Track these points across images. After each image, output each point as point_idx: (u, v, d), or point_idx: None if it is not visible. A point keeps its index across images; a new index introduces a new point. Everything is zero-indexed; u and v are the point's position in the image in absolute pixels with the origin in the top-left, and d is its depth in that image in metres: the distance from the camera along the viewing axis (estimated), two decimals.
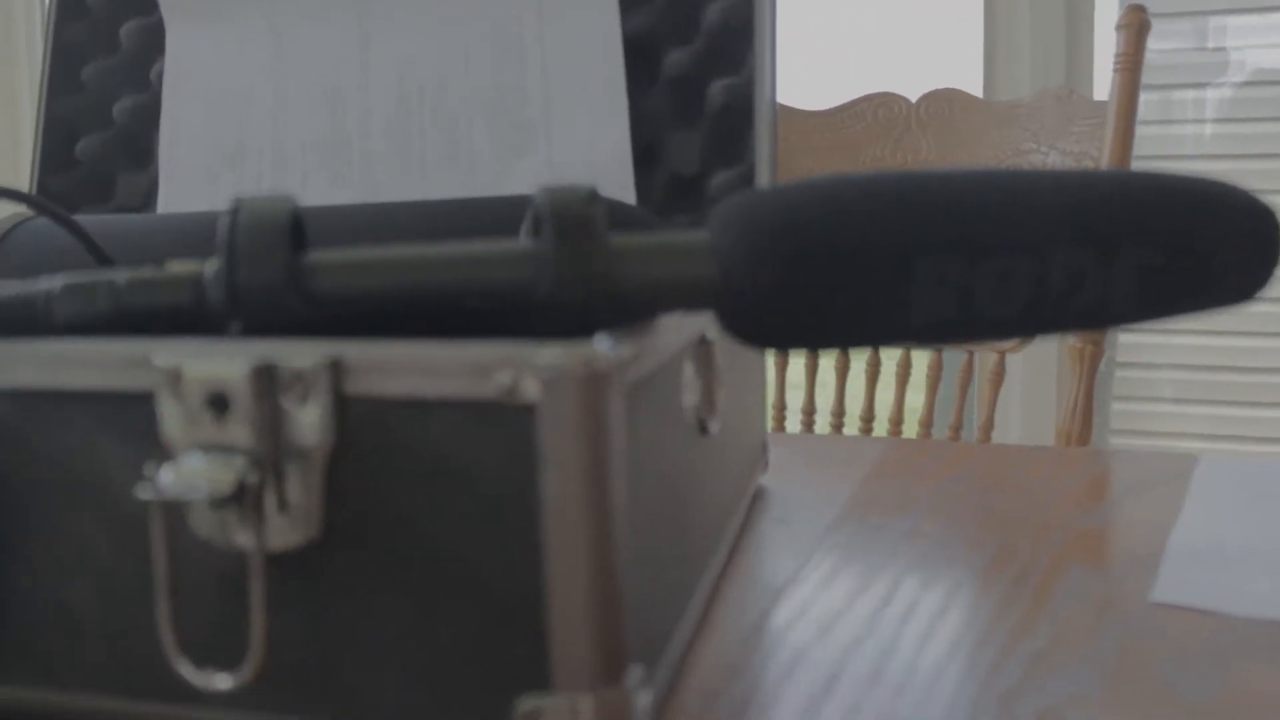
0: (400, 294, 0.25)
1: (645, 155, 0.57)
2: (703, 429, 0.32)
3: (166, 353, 0.23)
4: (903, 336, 0.28)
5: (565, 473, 0.21)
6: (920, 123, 1.09)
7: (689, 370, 0.31)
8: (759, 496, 0.48)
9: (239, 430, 0.23)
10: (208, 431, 0.23)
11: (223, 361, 0.23)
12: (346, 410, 0.23)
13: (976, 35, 1.61)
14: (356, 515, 0.23)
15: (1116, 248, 0.28)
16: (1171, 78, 1.89)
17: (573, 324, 0.25)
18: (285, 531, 0.23)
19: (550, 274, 0.25)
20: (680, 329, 0.30)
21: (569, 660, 0.22)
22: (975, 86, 1.64)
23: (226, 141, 0.63)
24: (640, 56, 0.57)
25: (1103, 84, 0.95)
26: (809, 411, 1.07)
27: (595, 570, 0.22)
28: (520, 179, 0.57)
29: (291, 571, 0.23)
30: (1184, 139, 1.89)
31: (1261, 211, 0.30)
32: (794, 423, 1.09)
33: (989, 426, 0.99)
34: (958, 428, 1.00)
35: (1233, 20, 1.89)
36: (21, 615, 0.26)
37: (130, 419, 0.24)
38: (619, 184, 0.55)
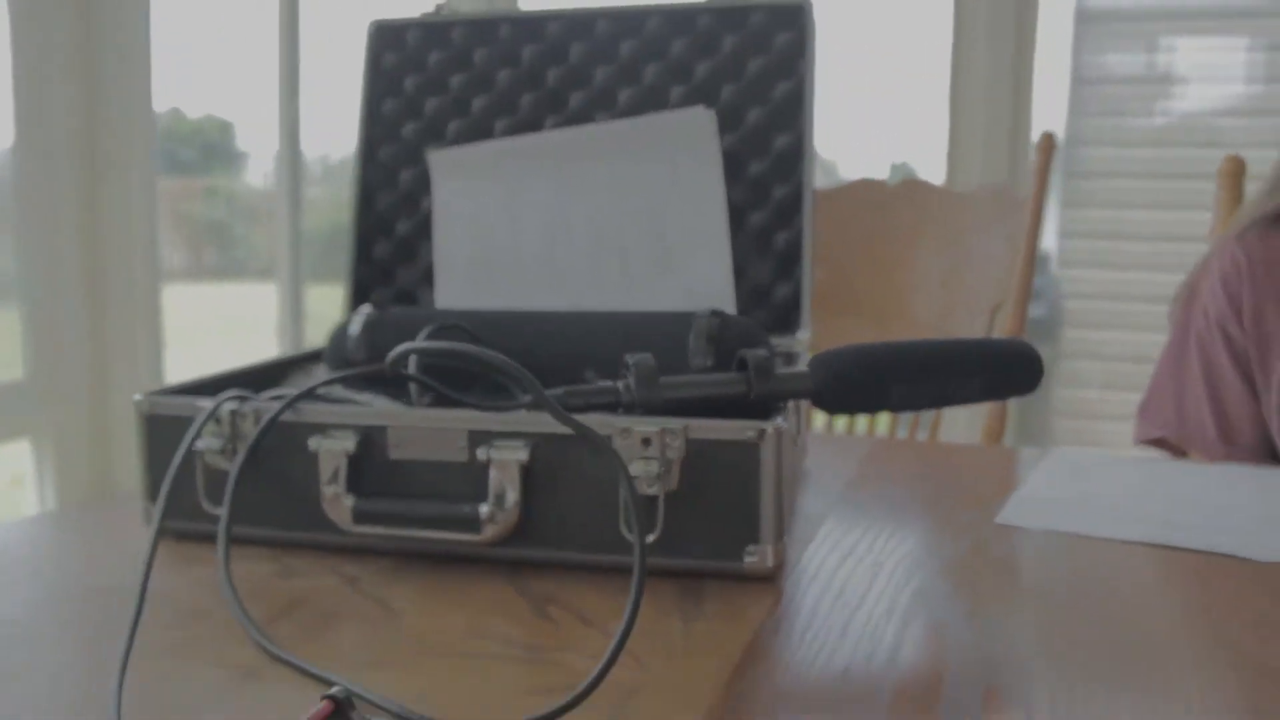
0: (686, 399, 0.67)
1: (737, 276, 0.98)
2: (794, 442, 0.74)
3: (621, 420, 0.64)
4: (887, 408, 0.70)
5: (768, 464, 0.63)
6: (896, 201, 1.50)
7: (793, 417, 0.72)
8: None
9: (654, 457, 0.64)
10: (641, 455, 0.64)
11: (638, 425, 0.64)
12: (689, 449, 0.64)
13: (943, 124, 2.03)
14: (691, 481, 0.64)
15: (971, 376, 0.70)
16: (1122, 105, 2.32)
17: (762, 409, 0.67)
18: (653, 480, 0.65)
19: (752, 390, 0.66)
20: (795, 405, 0.71)
21: (764, 532, 0.64)
22: (942, 151, 2.06)
23: (479, 257, 1.04)
24: (734, 216, 0.99)
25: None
26: None
27: (775, 497, 0.63)
28: (664, 293, 0.99)
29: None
30: (1135, 160, 2.31)
31: (1033, 353, 0.72)
32: None
33: (937, 425, 1.41)
34: (914, 425, 1.42)
35: (1181, 42, 2.29)
36: None
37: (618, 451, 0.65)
38: (724, 296, 0.97)
